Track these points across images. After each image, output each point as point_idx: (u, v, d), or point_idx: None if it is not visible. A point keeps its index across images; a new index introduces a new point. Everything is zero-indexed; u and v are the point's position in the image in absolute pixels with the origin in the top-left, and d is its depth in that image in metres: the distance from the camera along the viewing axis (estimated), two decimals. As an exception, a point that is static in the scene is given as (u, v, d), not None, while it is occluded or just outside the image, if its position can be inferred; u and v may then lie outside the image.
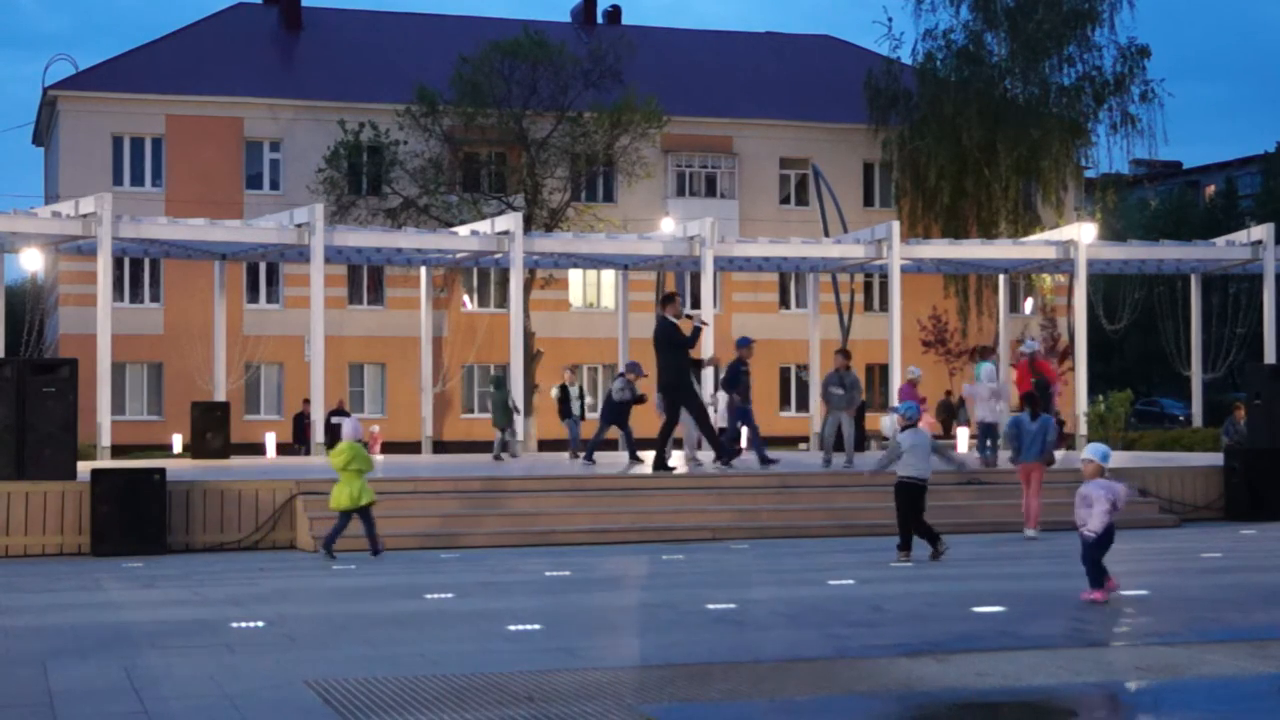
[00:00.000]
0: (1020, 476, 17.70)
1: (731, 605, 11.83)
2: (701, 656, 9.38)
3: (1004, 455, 22.99)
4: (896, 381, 30.56)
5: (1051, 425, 18.03)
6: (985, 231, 44.99)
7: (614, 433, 23.73)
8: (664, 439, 20.26)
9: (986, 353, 23.21)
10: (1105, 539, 11.57)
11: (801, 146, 50.89)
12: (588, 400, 29.57)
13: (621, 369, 23.24)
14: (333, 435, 31.58)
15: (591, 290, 49.72)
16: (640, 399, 22.69)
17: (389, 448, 35.38)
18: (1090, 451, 11.78)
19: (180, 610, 11.98)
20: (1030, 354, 22.19)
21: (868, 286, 50.29)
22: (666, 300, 20.30)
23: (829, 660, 9.12)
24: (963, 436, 33.32)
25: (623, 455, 23.70)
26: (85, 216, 26.08)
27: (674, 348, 19.98)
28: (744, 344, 21.57)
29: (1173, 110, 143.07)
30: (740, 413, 21.83)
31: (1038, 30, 46.78)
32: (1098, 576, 11.61)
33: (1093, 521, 11.54)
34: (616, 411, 22.52)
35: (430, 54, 48.18)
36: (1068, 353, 36.49)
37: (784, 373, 49.01)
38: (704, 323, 20.98)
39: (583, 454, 22.68)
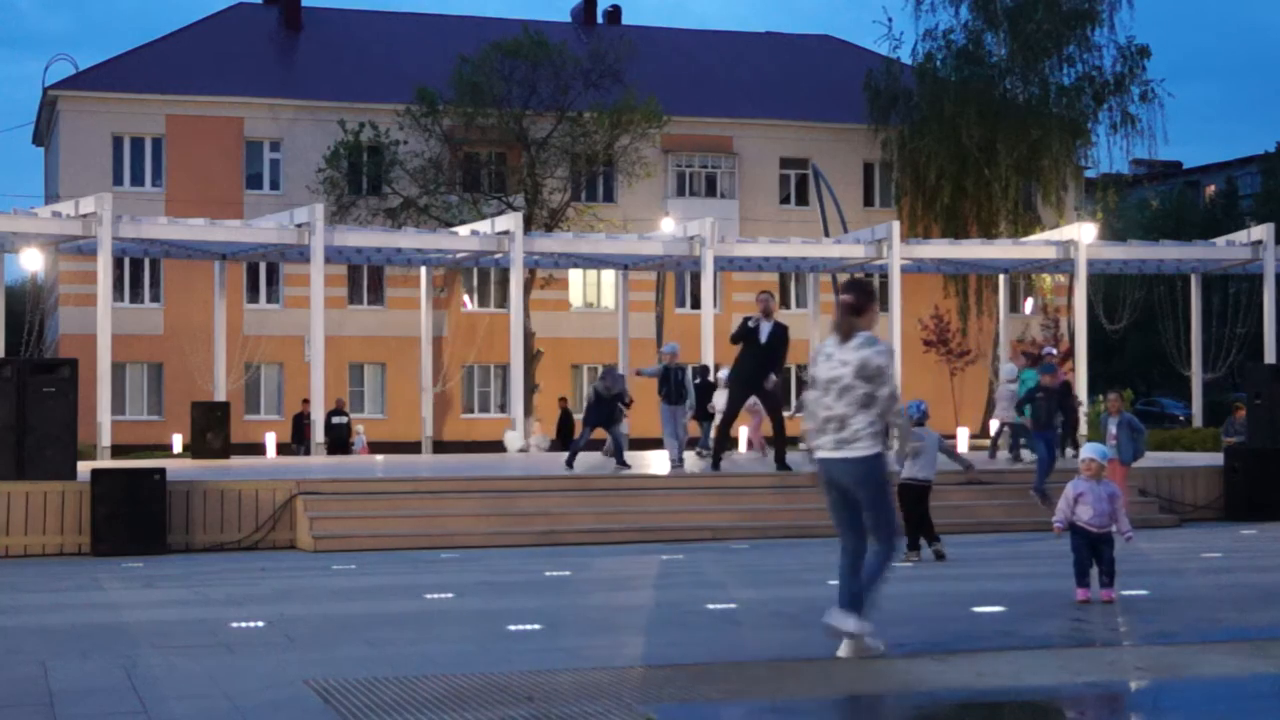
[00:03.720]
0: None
1: (731, 605, 11.83)
2: (701, 656, 9.37)
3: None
4: (897, 383, 30.56)
5: (1139, 425, 18.13)
6: (985, 231, 44.99)
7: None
8: (778, 438, 20.21)
9: (1036, 360, 22.82)
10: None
11: (801, 146, 50.90)
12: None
13: (603, 371, 22.44)
14: (334, 435, 31.68)
15: (591, 290, 49.73)
16: (623, 398, 21.72)
17: (388, 448, 35.39)
18: (1094, 452, 11.86)
19: (180, 610, 11.98)
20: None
21: (868, 286, 50.25)
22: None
23: (829, 660, 9.11)
24: (962, 436, 33.33)
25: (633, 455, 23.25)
26: (85, 216, 26.09)
27: (741, 347, 19.86)
28: (1047, 370, 21.05)
29: (1173, 110, 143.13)
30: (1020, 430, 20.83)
31: (1038, 30, 46.79)
32: (1085, 576, 11.72)
33: (1123, 522, 11.70)
34: (602, 411, 21.50)
35: (430, 54, 48.18)
36: (1068, 353, 36.44)
37: (784, 373, 48.98)
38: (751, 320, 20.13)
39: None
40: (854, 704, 8.00)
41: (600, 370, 22.53)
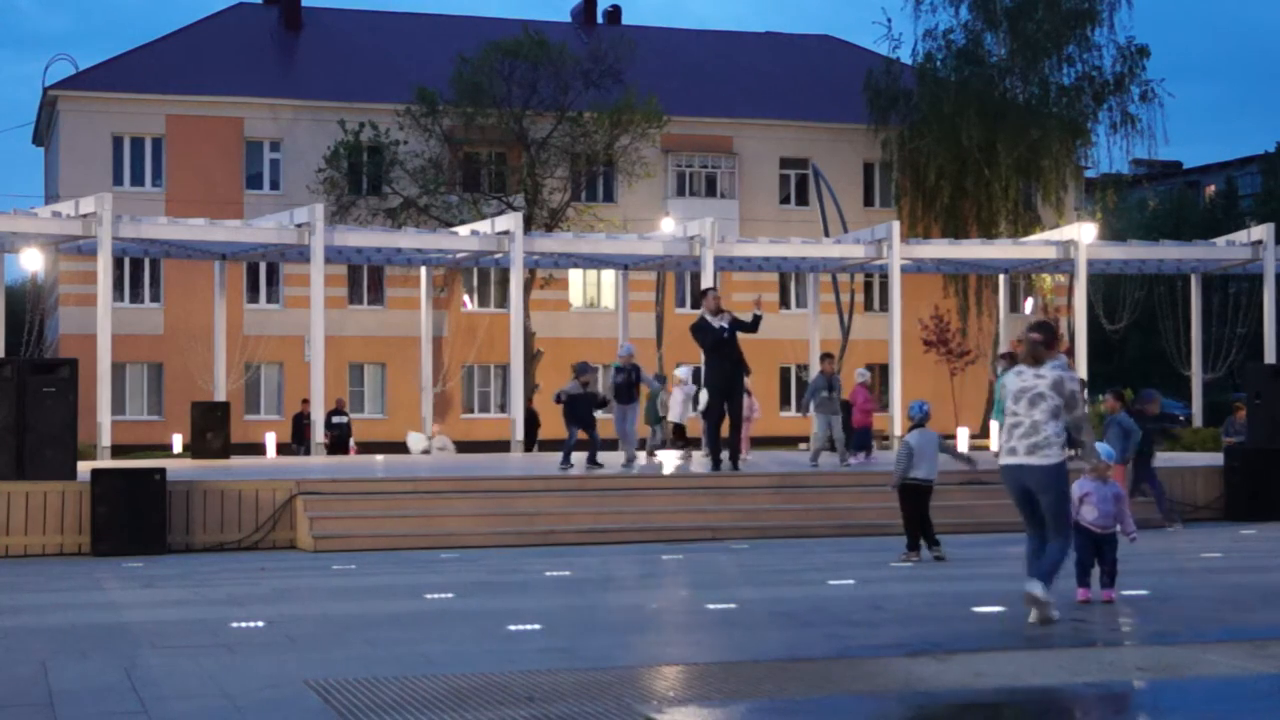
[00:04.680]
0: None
1: (731, 605, 11.83)
2: (701, 656, 9.38)
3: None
4: (897, 383, 30.56)
5: (1131, 425, 18.05)
6: (985, 231, 45.00)
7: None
8: (733, 438, 20.20)
9: (1013, 360, 22.78)
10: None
11: (801, 146, 50.91)
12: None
13: (576, 369, 22.08)
14: (334, 435, 31.66)
15: (591, 290, 49.74)
16: (596, 399, 21.36)
17: (389, 448, 35.36)
18: (1100, 452, 11.91)
19: (180, 610, 11.98)
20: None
21: (868, 286, 50.32)
22: (701, 297, 20.12)
23: (829, 660, 9.11)
24: (962, 436, 33.31)
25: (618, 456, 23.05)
26: (85, 216, 26.07)
27: (702, 348, 19.93)
28: (1148, 397, 20.66)
29: (1173, 110, 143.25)
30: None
31: (1037, 30, 46.83)
32: (1086, 576, 11.71)
33: (1128, 523, 11.80)
34: (572, 410, 21.12)
35: (430, 54, 48.19)
36: (1068, 353, 36.43)
37: (784, 373, 49.03)
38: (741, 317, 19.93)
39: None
40: (854, 704, 8.00)
41: (574, 369, 22.00)
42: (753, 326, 19.75)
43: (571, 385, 21.19)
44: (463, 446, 39.96)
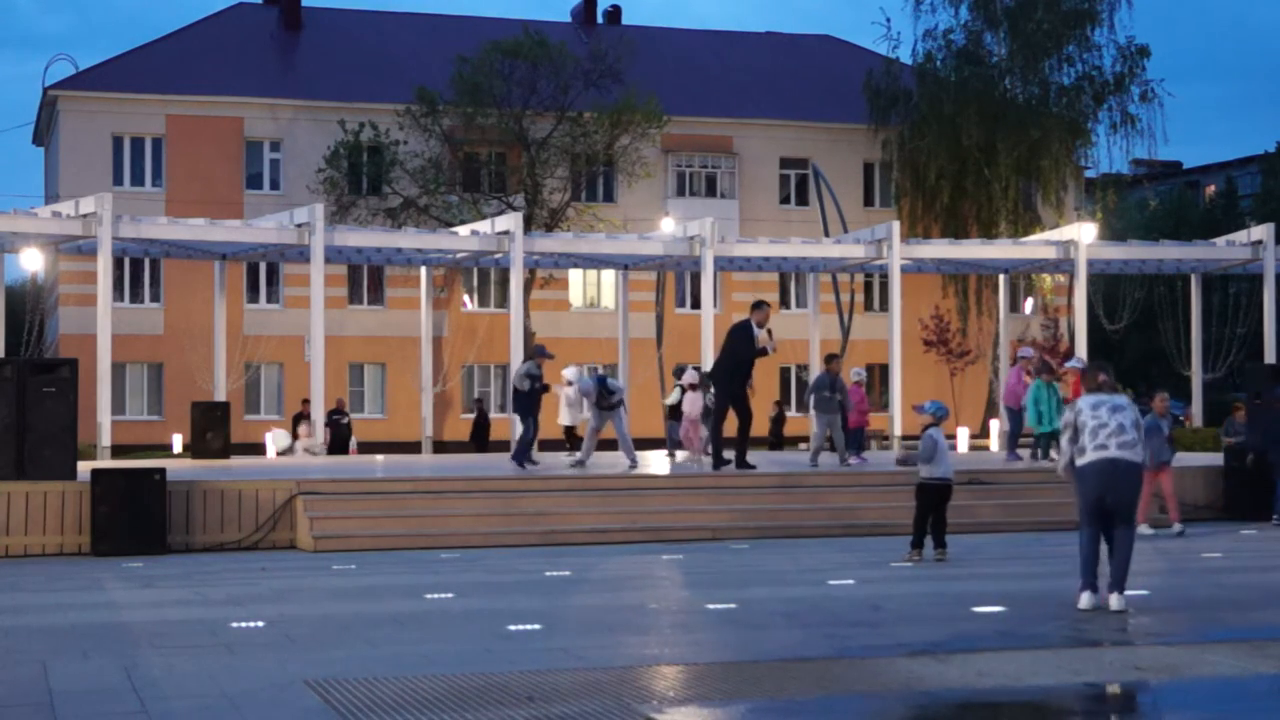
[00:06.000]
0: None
1: (731, 605, 11.83)
2: (702, 656, 9.38)
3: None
4: (897, 383, 30.57)
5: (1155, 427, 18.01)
6: (985, 231, 44.99)
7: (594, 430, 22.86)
8: (740, 440, 20.27)
9: (1049, 370, 22.78)
10: None
11: (801, 146, 50.89)
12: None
13: (529, 356, 21.85)
14: (334, 434, 31.64)
15: (591, 290, 49.73)
16: (544, 388, 21.41)
17: (388, 448, 35.39)
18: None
19: (180, 610, 11.99)
20: (1081, 368, 22.27)
21: (868, 286, 50.30)
22: (754, 307, 20.30)
23: (829, 660, 9.12)
24: (963, 436, 33.32)
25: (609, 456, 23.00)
26: (85, 216, 26.07)
27: (733, 353, 20.02)
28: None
29: (1173, 110, 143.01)
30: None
31: (1037, 30, 46.79)
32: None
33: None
34: (522, 403, 21.28)
35: (430, 54, 48.19)
36: (1069, 353, 36.43)
37: (784, 373, 49.01)
38: (771, 348, 20.24)
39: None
40: (854, 704, 8.00)
41: (536, 350, 21.91)
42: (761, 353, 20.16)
43: (531, 366, 21.18)
44: (463, 447, 40.01)
